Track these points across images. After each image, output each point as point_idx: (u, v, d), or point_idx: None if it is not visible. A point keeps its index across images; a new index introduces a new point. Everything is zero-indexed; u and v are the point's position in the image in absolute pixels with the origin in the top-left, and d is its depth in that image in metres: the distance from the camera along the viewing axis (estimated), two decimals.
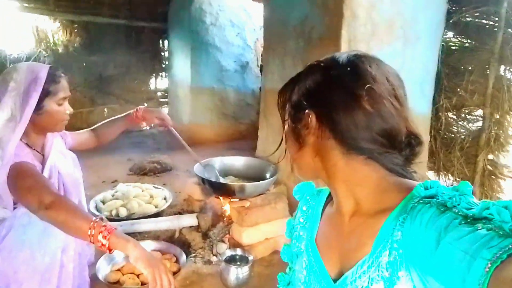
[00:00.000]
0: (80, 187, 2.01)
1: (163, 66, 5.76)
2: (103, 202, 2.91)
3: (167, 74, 5.68)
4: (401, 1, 2.58)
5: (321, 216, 0.89)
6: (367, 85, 0.69)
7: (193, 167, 2.68)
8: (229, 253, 2.26)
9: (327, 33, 2.53)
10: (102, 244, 1.32)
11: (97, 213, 2.74)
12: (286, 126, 0.80)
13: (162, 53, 5.73)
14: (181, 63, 4.92)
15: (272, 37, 3.05)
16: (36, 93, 1.51)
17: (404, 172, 0.73)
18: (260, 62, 5.08)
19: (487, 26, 2.84)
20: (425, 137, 2.96)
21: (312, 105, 0.74)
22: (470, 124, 2.99)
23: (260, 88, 5.19)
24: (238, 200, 2.51)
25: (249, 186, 2.45)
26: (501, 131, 2.80)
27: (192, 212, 2.83)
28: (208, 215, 2.59)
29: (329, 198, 0.90)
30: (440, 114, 3.07)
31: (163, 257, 2.30)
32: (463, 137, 2.99)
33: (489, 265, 0.47)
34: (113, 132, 2.16)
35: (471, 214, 0.55)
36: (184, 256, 2.26)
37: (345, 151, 0.72)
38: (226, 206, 2.58)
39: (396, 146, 0.71)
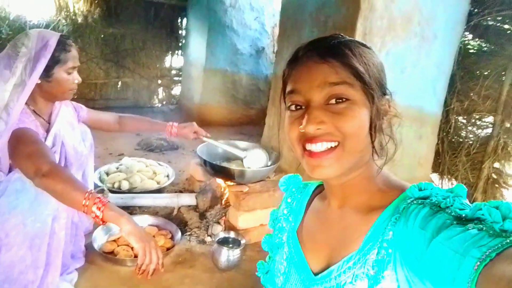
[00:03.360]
0: (85, 160, 2.05)
1: (180, 44, 5.75)
2: (107, 174, 2.97)
3: (182, 52, 5.68)
4: None
5: (306, 209, 0.88)
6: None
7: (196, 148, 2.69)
8: (222, 235, 2.29)
9: (342, 24, 2.49)
10: (96, 216, 1.36)
11: (100, 184, 2.79)
12: (356, 108, 0.69)
13: (180, 31, 5.71)
14: (197, 43, 4.92)
15: (288, 23, 3.02)
16: (45, 59, 1.54)
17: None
18: (276, 48, 5.04)
19: (508, 31, 2.77)
20: (433, 138, 2.93)
21: (385, 91, 0.74)
22: (480, 130, 2.94)
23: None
24: (237, 184, 2.52)
25: (249, 171, 2.46)
26: (510, 140, 2.75)
27: (192, 192, 2.86)
28: (207, 196, 2.62)
29: (316, 192, 0.90)
30: (450, 116, 3.02)
31: (159, 232, 2.36)
32: (470, 142, 2.95)
33: (478, 264, 0.47)
34: (138, 129, 2.32)
35: (463, 215, 0.56)
36: (179, 234, 2.31)
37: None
38: (225, 189, 2.60)
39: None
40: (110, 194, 2.59)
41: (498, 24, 2.80)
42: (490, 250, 0.47)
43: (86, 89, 4.99)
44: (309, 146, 0.70)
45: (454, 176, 3.02)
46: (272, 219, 1.01)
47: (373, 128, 0.69)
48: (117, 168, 3.03)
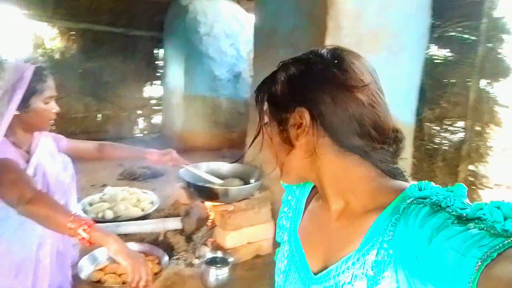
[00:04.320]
0: (68, 189, 2.05)
1: (158, 74, 5.84)
2: (91, 205, 2.95)
3: (161, 82, 5.76)
4: (386, 13, 2.64)
5: (305, 207, 0.88)
6: (360, 77, 0.69)
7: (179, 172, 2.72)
8: (210, 255, 2.29)
9: (313, 43, 2.59)
10: (83, 238, 1.36)
11: (83, 215, 2.77)
12: (269, 128, 0.76)
13: (157, 62, 5.81)
14: (175, 72, 5.01)
15: (262, 46, 3.12)
16: (21, 90, 1.56)
17: (395, 170, 0.73)
18: (253, 72, 5.16)
19: (469, 41, 2.92)
20: (409, 147, 3.02)
21: (302, 102, 0.71)
22: (452, 135, 3.05)
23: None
24: (222, 204, 2.55)
25: (233, 190, 2.49)
26: (481, 142, 2.86)
27: (178, 216, 2.86)
28: (193, 219, 2.63)
29: (314, 190, 0.89)
30: (423, 125, 3.13)
31: (146, 258, 2.33)
32: (445, 148, 3.06)
33: (479, 264, 0.47)
34: (118, 155, 2.26)
35: (464, 214, 0.55)
36: (166, 258, 2.29)
37: (338, 150, 0.70)
38: (211, 210, 2.62)
39: (385, 141, 0.70)
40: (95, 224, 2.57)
41: (459, 35, 2.96)
42: (491, 250, 0.47)
43: (66, 124, 4.99)
44: None
45: (432, 181, 3.10)
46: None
47: (286, 141, 0.73)
48: (101, 198, 3.03)
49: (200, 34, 4.74)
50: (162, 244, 2.58)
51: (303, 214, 0.87)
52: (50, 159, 1.90)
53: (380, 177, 0.71)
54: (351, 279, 0.67)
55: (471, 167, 2.93)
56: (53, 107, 1.73)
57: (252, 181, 2.67)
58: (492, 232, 0.50)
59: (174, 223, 2.69)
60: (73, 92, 5.05)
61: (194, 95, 4.86)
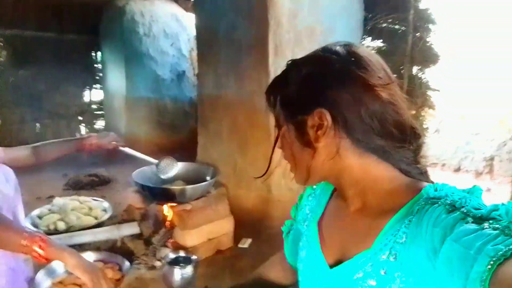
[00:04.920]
0: (13, 204, 1.97)
1: (97, 78, 5.65)
2: (40, 217, 2.83)
3: (101, 86, 5.58)
4: (320, 10, 2.78)
5: (328, 200, 0.87)
6: (378, 74, 0.68)
7: (131, 176, 2.69)
8: (172, 255, 2.30)
9: (254, 41, 2.67)
10: (39, 255, 1.30)
11: (34, 229, 2.65)
12: (286, 130, 0.75)
13: (95, 65, 5.62)
14: (115, 75, 4.88)
15: (205, 46, 3.14)
16: None
17: (415, 170, 0.72)
18: (196, 71, 5.16)
19: (399, 31, 3.15)
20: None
21: (321, 102, 0.68)
22: None
23: (197, 97, 5.27)
24: (179, 204, 2.56)
25: (189, 188, 2.51)
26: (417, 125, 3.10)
27: (133, 221, 2.83)
28: (150, 222, 2.62)
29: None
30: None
31: (106, 266, 2.30)
32: None
33: (492, 263, 0.46)
34: (55, 153, 2.11)
35: (479, 215, 0.54)
36: (127, 263, 2.27)
37: (358, 151, 0.69)
38: (168, 211, 2.62)
39: (406, 139, 0.69)
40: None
41: (390, 26, 3.18)
42: (505, 249, 0.47)
43: (2, 136, 4.70)
44: None
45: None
46: (293, 208, 1.02)
47: (306, 143, 0.71)
48: (49, 210, 2.91)
49: (139, 35, 4.66)
50: (120, 251, 2.54)
51: (325, 208, 0.87)
52: None
53: (398, 178, 0.70)
54: (363, 277, 0.68)
55: None
56: None
57: (207, 178, 2.70)
58: (506, 232, 0.50)
59: (130, 229, 2.66)
60: (7, 102, 4.75)
61: (136, 97, 4.77)
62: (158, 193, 2.54)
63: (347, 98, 0.67)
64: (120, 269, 2.30)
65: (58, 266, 2.25)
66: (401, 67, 3.13)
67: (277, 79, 0.77)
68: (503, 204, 0.55)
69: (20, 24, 4.81)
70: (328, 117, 0.67)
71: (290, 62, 0.77)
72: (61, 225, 2.70)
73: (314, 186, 0.92)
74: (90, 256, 2.37)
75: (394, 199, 0.68)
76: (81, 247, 2.54)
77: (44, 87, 5.11)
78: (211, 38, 3.03)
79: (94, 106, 5.75)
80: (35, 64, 4.97)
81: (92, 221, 2.81)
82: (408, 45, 3.06)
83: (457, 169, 4.83)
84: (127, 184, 3.86)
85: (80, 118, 5.58)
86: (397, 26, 3.18)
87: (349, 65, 0.68)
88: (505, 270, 0.45)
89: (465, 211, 0.56)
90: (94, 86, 5.67)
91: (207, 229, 2.53)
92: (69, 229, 2.70)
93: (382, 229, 0.67)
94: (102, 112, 5.67)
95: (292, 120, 0.72)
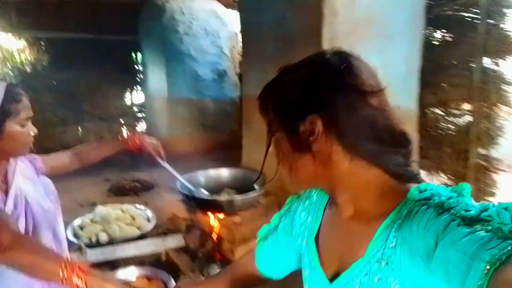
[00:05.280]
0: (53, 217, 1.82)
1: (137, 79, 5.57)
2: (81, 228, 2.71)
3: (142, 87, 5.49)
4: None
5: (323, 214, 0.87)
6: (369, 81, 0.69)
7: (175, 184, 2.52)
8: (216, 269, 2.10)
9: (307, 33, 2.42)
10: (78, 286, 1.17)
11: (75, 240, 2.54)
12: (279, 136, 0.74)
13: (135, 66, 5.54)
14: (156, 75, 4.76)
15: (250, 42, 2.94)
16: None
17: (407, 173, 0.71)
18: (238, 70, 4.97)
19: (468, 19, 2.79)
20: (414, 135, 2.88)
21: (313, 108, 0.69)
22: (458, 119, 2.93)
23: (240, 97, 5.07)
24: (227, 215, 2.36)
25: (238, 199, 2.31)
26: (490, 124, 2.74)
27: (178, 231, 2.66)
28: (196, 234, 2.44)
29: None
30: (426, 110, 3.00)
31: (150, 283, 2.14)
32: (452, 133, 2.93)
33: (488, 267, 0.46)
34: (98, 155, 1.98)
35: (469, 216, 0.54)
36: (172, 281, 2.10)
37: (350, 156, 0.69)
38: (215, 222, 2.43)
39: (396, 143, 0.69)
40: (89, 251, 2.35)
41: (457, 13, 2.82)
42: (500, 253, 0.46)
43: (45, 141, 4.69)
44: None
45: (441, 169, 2.98)
46: (287, 204, 0.99)
47: (298, 149, 0.71)
48: (92, 220, 2.78)
49: (179, 34, 4.51)
50: (165, 265, 2.38)
51: (321, 221, 0.86)
52: (30, 185, 1.68)
53: (388, 182, 0.70)
54: (360, 286, 0.68)
55: (481, 151, 2.80)
56: (30, 129, 1.52)
57: (256, 186, 2.48)
58: (499, 234, 0.49)
59: (175, 241, 2.48)
60: (49, 106, 4.75)
61: (178, 98, 4.63)
62: (204, 203, 2.35)
63: (338, 105, 0.68)
64: (165, 286, 2.13)
65: None
66: (470, 59, 2.77)
67: (270, 84, 0.77)
68: (493, 204, 0.54)
69: (60, 27, 4.79)
70: (319, 123, 0.68)
71: (282, 67, 0.77)
72: (103, 237, 2.56)
73: (306, 203, 0.91)
74: (134, 271, 2.23)
75: (384, 203, 0.68)
76: (123, 261, 2.40)
77: (85, 90, 5.09)
78: (256, 33, 2.81)
79: (135, 108, 5.69)
80: (75, 67, 4.95)
81: (135, 232, 2.66)
82: (479, 34, 2.70)
83: None
84: (169, 189, 3.72)
85: (121, 120, 5.52)
86: (465, 13, 2.81)
87: (341, 72, 0.68)
88: (502, 275, 0.45)
89: (454, 212, 0.55)
90: (135, 87, 5.60)
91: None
92: (111, 241, 2.56)
93: (373, 235, 0.68)
94: (144, 114, 5.59)
95: (285, 125, 0.73)
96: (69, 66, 4.91)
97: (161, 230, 2.85)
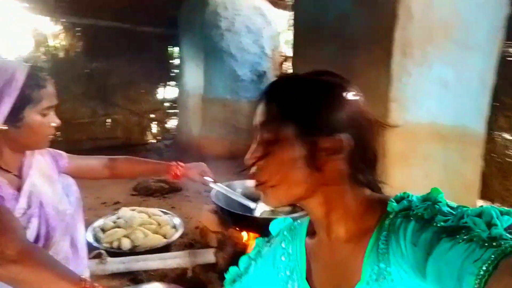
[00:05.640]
0: (71, 221, 1.59)
1: (171, 74, 5.37)
2: (103, 230, 2.49)
3: (176, 83, 5.29)
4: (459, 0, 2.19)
5: (305, 252, 0.84)
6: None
7: (207, 191, 2.26)
8: None
9: (374, 36, 2.13)
10: None
11: (95, 244, 2.32)
12: (285, 147, 0.69)
13: (170, 61, 5.34)
14: (192, 72, 4.54)
15: (303, 42, 2.68)
16: (10, 98, 1.15)
17: (379, 184, 0.75)
18: (278, 72, 4.70)
19: None
20: (479, 160, 2.54)
21: (343, 129, 0.68)
22: None
23: None
24: (263, 235, 2.07)
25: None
26: None
27: (207, 245, 2.40)
28: (227, 252, 2.16)
29: (308, 230, 0.86)
30: (494, 134, 2.65)
31: None
32: None
33: (478, 281, 0.47)
34: (134, 172, 1.84)
35: (449, 227, 0.55)
36: None
37: (351, 176, 0.70)
38: (249, 240, 2.15)
39: (377, 162, 0.74)
40: (109, 259, 2.12)
41: None
42: (486, 264, 0.47)
43: (71, 131, 4.53)
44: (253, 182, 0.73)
45: (506, 201, 2.63)
46: (256, 245, 0.97)
47: (312, 164, 0.68)
48: (115, 223, 2.56)
49: (220, 29, 4.27)
50: (190, 282, 2.13)
51: (306, 258, 0.82)
52: (47, 184, 1.47)
53: (371, 197, 0.72)
54: None
55: None
56: (52, 120, 1.32)
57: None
58: (480, 243, 0.50)
59: (205, 256, 2.22)
60: (78, 95, 4.59)
61: (213, 97, 4.40)
62: (239, 219, 2.08)
63: (367, 132, 0.70)
64: None
65: None
66: None
67: (288, 87, 0.72)
68: (467, 211, 0.56)
69: (97, 14, 4.64)
70: (349, 144, 0.67)
71: (308, 74, 0.74)
72: (126, 244, 2.34)
73: (283, 245, 0.87)
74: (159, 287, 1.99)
75: (367, 219, 0.69)
76: (145, 273, 2.17)
77: (117, 81, 4.92)
78: (312, 33, 2.54)
79: (166, 104, 5.48)
80: (109, 57, 4.80)
81: (160, 240, 2.43)
82: None
83: None
84: (198, 194, 3.49)
85: (151, 115, 5.33)
86: None
87: (354, 94, 0.71)
88: (493, 285, 0.46)
89: (435, 224, 0.57)
90: (168, 83, 5.39)
91: None
92: (134, 248, 2.33)
93: (365, 254, 0.68)
94: (176, 110, 5.38)
95: (303, 136, 0.68)
96: (102, 56, 4.77)
97: (187, 240, 2.62)
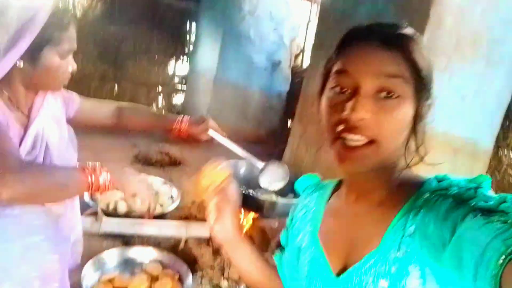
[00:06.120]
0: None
1: (186, 50, 5.33)
2: None
3: (189, 59, 5.25)
4: (491, 14, 2.18)
5: (324, 210, 0.84)
6: None
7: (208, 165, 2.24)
8: None
9: None
10: (106, 186, 1.19)
11: (91, 203, 2.31)
12: (409, 107, 0.66)
13: (187, 37, 5.30)
14: (207, 51, 4.51)
15: (327, 35, 2.65)
16: (30, 34, 1.12)
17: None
18: (292, 64, 4.68)
19: None
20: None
21: (430, 89, 0.69)
22: None
23: (289, 92, 4.78)
24: (263, 217, 2.08)
25: (281, 203, 2.01)
26: None
27: (203, 220, 2.39)
28: None
29: (334, 191, 0.86)
30: (501, 151, 2.66)
31: (164, 272, 1.89)
32: None
33: (504, 257, 0.46)
34: (140, 123, 1.78)
35: (487, 207, 0.54)
36: (190, 277, 1.86)
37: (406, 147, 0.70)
38: (249, 222, 2.15)
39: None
40: (105, 218, 2.12)
41: None
42: None
43: (79, 89, 4.48)
44: (348, 136, 0.66)
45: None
46: (290, 217, 0.96)
47: (412, 129, 0.68)
48: None
49: (243, 11, 4.23)
50: (182, 254, 2.13)
51: (323, 216, 0.84)
52: (56, 128, 1.45)
53: (410, 172, 0.71)
54: (374, 278, 0.66)
55: None
56: (70, 63, 1.31)
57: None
58: None
59: (200, 230, 2.22)
60: (92, 57, 4.56)
61: (225, 80, 4.36)
62: (242, 199, 2.06)
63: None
64: (180, 280, 1.89)
65: (109, 258, 1.90)
66: None
67: (416, 41, 0.66)
68: (511, 196, 0.54)
69: None
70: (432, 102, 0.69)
71: (416, 32, 0.70)
72: (122, 207, 2.35)
73: (307, 201, 0.89)
74: (150, 253, 2.02)
75: (398, 192, 0.69)
76: (138, 238, 2.17)
77: (131, 48, 4.87)
78: (338, 26, 2.52)
79: (176, 80, 5.45)
80: (126, 23, 4.75)
81: (157, 209, 2.41)
82: None
83: None
84: (198, 170, 3.48)
85: (159, 88, 5.30)
86: None
87: None
88: None
89: (473, 203, 0.56)
90: (181, 57, 5.36)
91: None
92: (130, 213, 2.33)
93: (389, 225, 0.67)
94: (184, 87, 5.35)
95: (419, 96, 0.66)
96: (120, 21, 4.72)
97: (183, 213, 2.61)
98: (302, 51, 4.83)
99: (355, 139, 0.65)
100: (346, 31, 0.73)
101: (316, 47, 2.80)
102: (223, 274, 2.02)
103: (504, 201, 0.53)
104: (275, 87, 4.67)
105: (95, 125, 1.71)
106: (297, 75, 4.69)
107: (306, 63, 4.69)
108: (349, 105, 0.64)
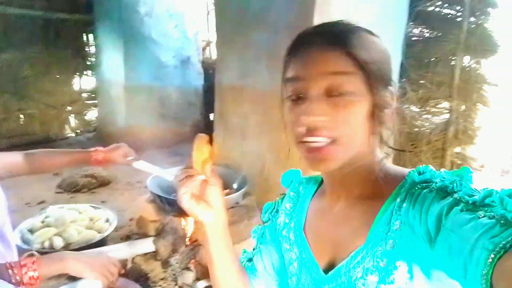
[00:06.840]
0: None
1: (89, 63, 5.09)
2: (31, 232, 2.36)
3: (93, 72, 5.02)
4: None
5: (308, 208, 0.84)
6: None
7: (139, 182, 2.24)
8: (202, 285, 1.89)
9: (297, 21, 2.24)
10: (34, 279, 1.17)
11: (24, 246, 2.19)
12: (363, 101, 0.65)
13: (87, 49, 5.05)
14: (112, 59, 4.35)
15: (228, 28, 2.69)
16: None
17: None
18: (201, 57, 4.68)
19: (451, 16, 2.74)
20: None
21: (391, 83, 0.69)
22: (435, 118, 2.90)
23: (205, 86, 4.79)
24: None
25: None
26: (468, 123, 2.73)
27: (145, 235, 2.39)
28: (168, 239, 2.18)
29: (318, 187, 0.86)
30: (404, 107, 2.94)
31: None
32: (428, 130, 2.89)
33: (492, 256, 0.45)
34: (54, 165, 1.72)
35: (472, 201, 0.53)
36: None
37: (381, 138, 0.70)
38: (190, 226, 2.19)
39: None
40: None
41: (439, 10, 2.77)
42: (504, 242, 0.45)
43: None
44: (310, 139, 0.66)
45: (416, 167, 2.95)
46: (264, 211, 0.95)
47: (374, 121, 0.66)
48: (43, 222, 2.44)
49: (140, 14, 4.13)
50: (132, 273, 2.11)
51: (307, 213, 0.84)
52: None
53: (381, 165, 0.70)
54: (363, 273, 0.66)
55: (458, 149, 2.79)
56: None
57: (234, 186, 2.28)
58: (502, 222, 0.47)
59: (144, 246, 2.22)
60: None
61: (137, 85, 4.27)
62: (178, 205, 2.09)
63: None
64: None
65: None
66: (452, 58, 2.72)
67: (357, 35, 0.67)
68: (496, 191, 0.53)
69: (5, 0, 4.22)
70: (395, 98, 0.69)
71: (359, 27, 0.70)
72: (58, 242, 2.25)
73: (292, 194, 0.89)
74: (99, 284, 1.96)
75: (380, 186, 0.68)
76: None
77: (30, 73, 4.55)
78: (237, 18, 2.58)
79: (85, 95, 5.19)
80: (20, 47, 4.40)
81: (95, 235, 2.36)
82: (462, 32, 2.66)
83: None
84: (129, 186, 3.41)
85: (69, 108, 5.03)
86: (448, 10, 2.76)
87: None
88: (507, 264, 0.44)
89: (458, 197, 0.55)
90: (85, 72, 5.10)
91: (240, 248, 2.10)
92: (68, 246, 2.25)
93: (374, 220, 0.66)
94: (94, 101, 5.12)
95: (373, 89, 0.65)
96: (13, 46, 4.36)
97: (124, 232, 2.58)
98: (209, 43, 4.85)
99: (317, 141, 0.66)
100: (295, 36, 0.72)
101: (219, 39, 2.83)
102: (176, 283, 2.05)
103: (489, 195, 0.53)
104: (189, 83, 4.66)
105: (7, 176, 1.64)
106: (209, 67, 4.71)
107: (214, 54, 4.72)
108: (302, 110, 0.65)
